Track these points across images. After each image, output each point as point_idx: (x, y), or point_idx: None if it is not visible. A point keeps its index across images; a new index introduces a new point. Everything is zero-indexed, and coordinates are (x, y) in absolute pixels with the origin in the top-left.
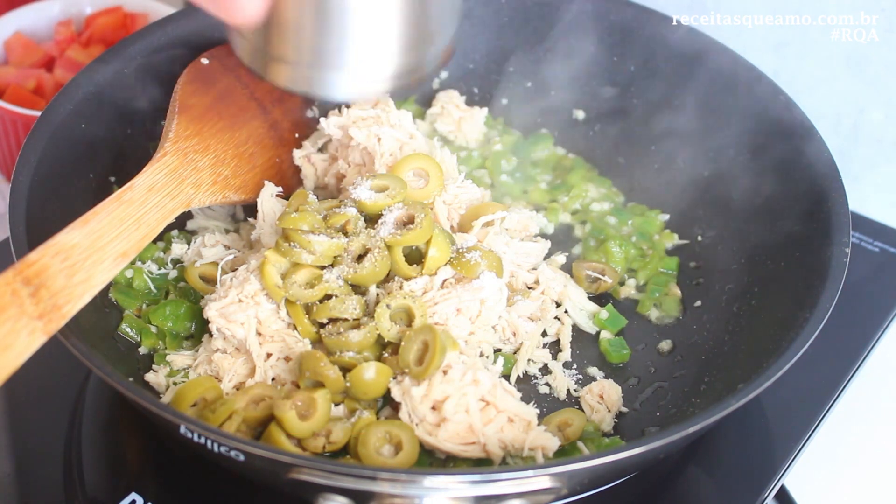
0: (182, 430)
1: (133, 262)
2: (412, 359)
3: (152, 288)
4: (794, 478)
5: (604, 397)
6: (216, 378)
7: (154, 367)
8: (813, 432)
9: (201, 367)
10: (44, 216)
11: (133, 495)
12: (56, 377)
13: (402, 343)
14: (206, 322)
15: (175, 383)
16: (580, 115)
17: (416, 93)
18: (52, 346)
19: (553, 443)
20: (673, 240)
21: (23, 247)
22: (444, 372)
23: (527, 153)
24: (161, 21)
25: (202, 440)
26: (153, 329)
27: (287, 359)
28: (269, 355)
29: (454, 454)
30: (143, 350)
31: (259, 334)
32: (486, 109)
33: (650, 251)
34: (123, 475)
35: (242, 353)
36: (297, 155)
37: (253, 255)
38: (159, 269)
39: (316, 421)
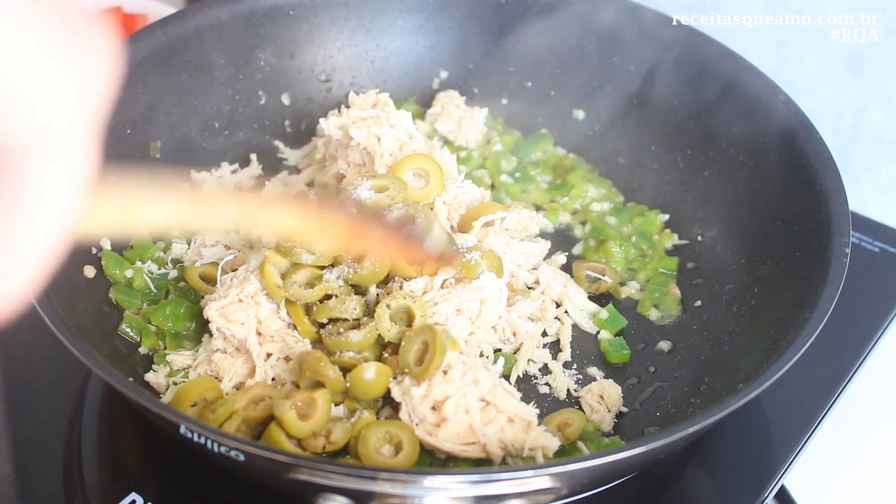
0: (182, 430)
1: (133, 262)
2: (412, 359)
3: (152, 288)
4: (794, 478)
5: (604, 397)
6: (216, 378)
7: (154, 367)
8: (813, 432)
9: (201, 367)
10: None
11: (133, 495)
12: (56, 377)
13: (402, 343)
14: (206, 322)
15: (175, 383)
16: (580, 115)
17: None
18: (52, 346)
19: (553, 443)
20: (673, 240)
21: None
22: (444, 372)
23: (527, 153)
24: (161, 21)
25: (202, 440)
26: (153, 329)
27: (287, 359)
28: (269, 355)
29: (454, 454)
30: (143, 350)
31: (259, 334)
32: (486, 109)
33: (650, 251)
34: (123, 475)
35: (242, 353)
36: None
37: (253, 255)
38: (159, 269)
39: (316, 421)
